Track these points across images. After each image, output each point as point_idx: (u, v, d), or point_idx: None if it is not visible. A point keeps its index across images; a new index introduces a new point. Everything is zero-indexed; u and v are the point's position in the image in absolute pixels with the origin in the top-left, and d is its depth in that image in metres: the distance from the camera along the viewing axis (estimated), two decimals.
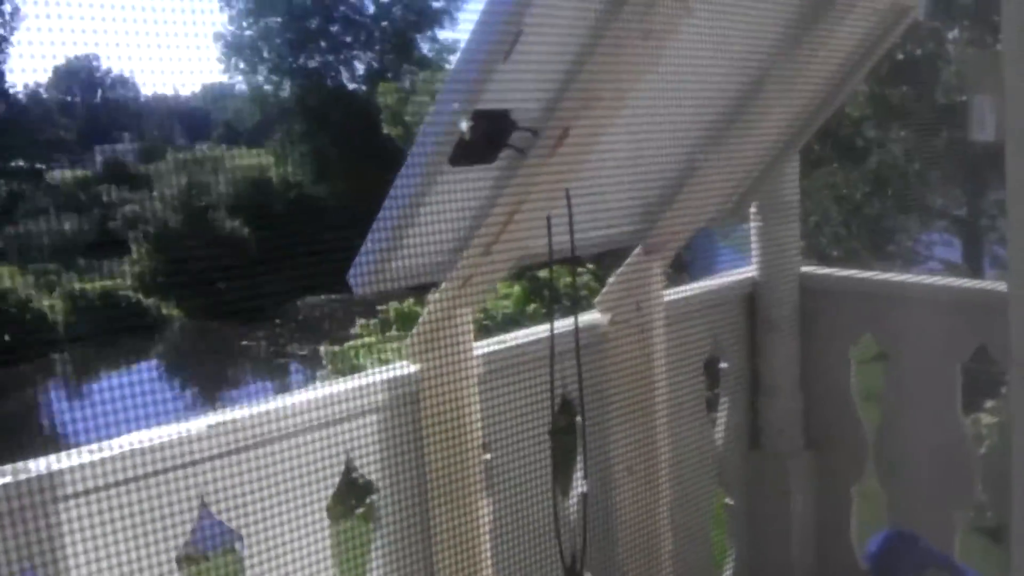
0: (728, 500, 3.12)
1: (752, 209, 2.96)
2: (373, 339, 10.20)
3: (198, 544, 2.12)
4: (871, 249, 12.29)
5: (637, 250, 2.61)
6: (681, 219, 2.58)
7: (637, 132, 2.31)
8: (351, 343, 10.32)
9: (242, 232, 20.87)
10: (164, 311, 20.24)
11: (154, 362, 20.38)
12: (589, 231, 2.39)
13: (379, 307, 10.80)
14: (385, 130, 18.31)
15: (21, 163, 24.81)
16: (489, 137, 1.90)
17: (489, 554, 2.34)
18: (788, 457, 3.10)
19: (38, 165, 25.19)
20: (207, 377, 19.27)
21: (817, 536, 3.12)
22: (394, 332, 9.87)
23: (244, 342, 19.34)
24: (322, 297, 18.37)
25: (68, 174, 25.63)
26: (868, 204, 12.36)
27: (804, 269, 3.08)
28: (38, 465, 1.78)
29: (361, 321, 11.18)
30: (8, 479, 1.72)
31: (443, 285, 2.20)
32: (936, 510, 2.85)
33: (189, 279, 18.95)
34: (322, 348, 10.89)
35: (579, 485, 2.58)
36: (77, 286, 19.32)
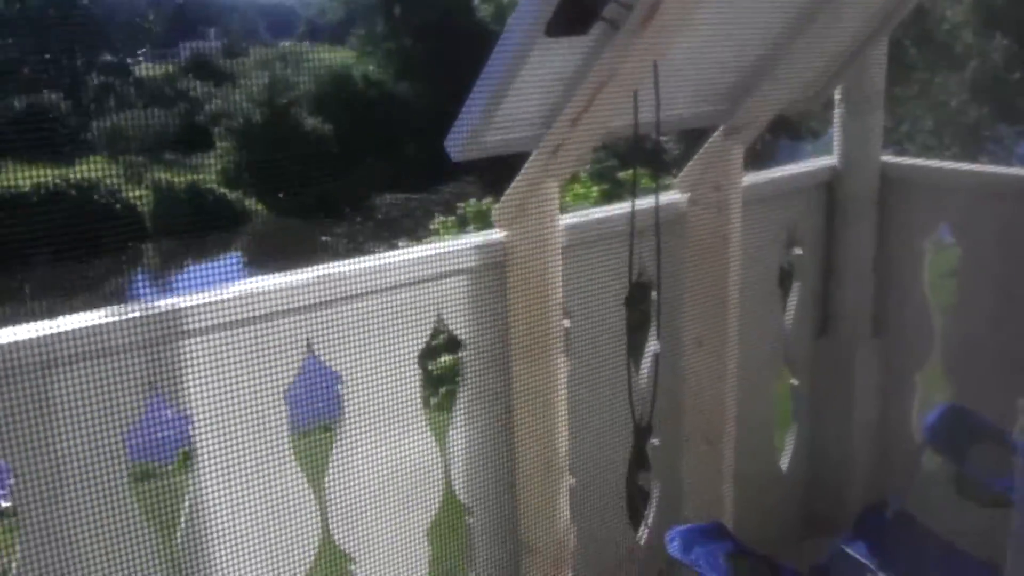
0: (793, 381, 3.24)
1: (836, 96, 2.99)
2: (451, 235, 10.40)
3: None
4: (963, 158, 11.96)
5: (718, 131, 2.69)
6: (764, 102, 2.65)
7: (727, 11, 2.37)
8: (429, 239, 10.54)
9: (324, 129, 21.14)
10: (246, 205, 20.72)
11: (236, 256, 20.94)
12: (674, 108, 2.47)
13: (457, 204, 10.97)
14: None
15: (110, 57, 25.26)
16: (583, 9, 1.99)
17: (565, 411, 2.52)
18: (855, 343, 3.19)
19: (126, 59, 25.65)
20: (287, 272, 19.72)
21: (879, 420, 3.23)
22: (471, 229, 10.06)
23: (324, 238, 19.76)
24: (401, 195, 18.62)
25: (155, 68, 26.05)
26: (963, 112, 11.99)
27: (885, 158, 3.12)
28: (164, 303, 1.99)
29: (440, 218, 11.38)
30: (137, 313, 1.92)
31: (532, 155, 2.32)
32: (999, 399, 2.92)
33: (271, 174, 19.33)
34: (400, 244, 11.14)
35: (652, 347, 2.71)
36: (164, 178, 19.84)
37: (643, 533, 2.86)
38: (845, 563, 2.43)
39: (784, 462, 3.21)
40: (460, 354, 2.48)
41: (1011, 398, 2.88)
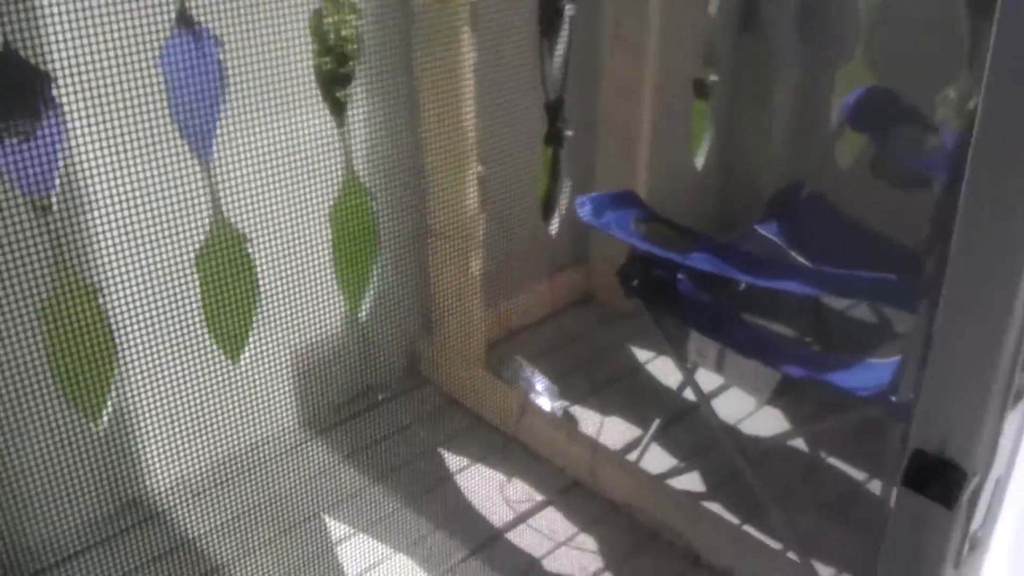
0: (713, 77, 3.11)
1: None
2: None
3: None
4: None
5: None
6: None
7: None
8: None
9: None
10: None
11: None
12: None
13: None
14: None
15: None
16: None
17: (472, 92, 2.35)
18: (778, 40, 3.05)
19: None
20: None
21: (797, 116, 3.14)
22: None
23: None
24: None
25: None
26: None
27: None
28: None
29: None
30: None
31: None
32: (919, 90, 2.85)
33: None
34: None
35: (566, 32, 2.53)
36: None
37: (555, 224, 2.79)
38: (755, 242, 2.39)
39: (699, 160, 3.13)
40: (357, 23, 2.26)
41: (933, 90, 2.83)
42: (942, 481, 0.72)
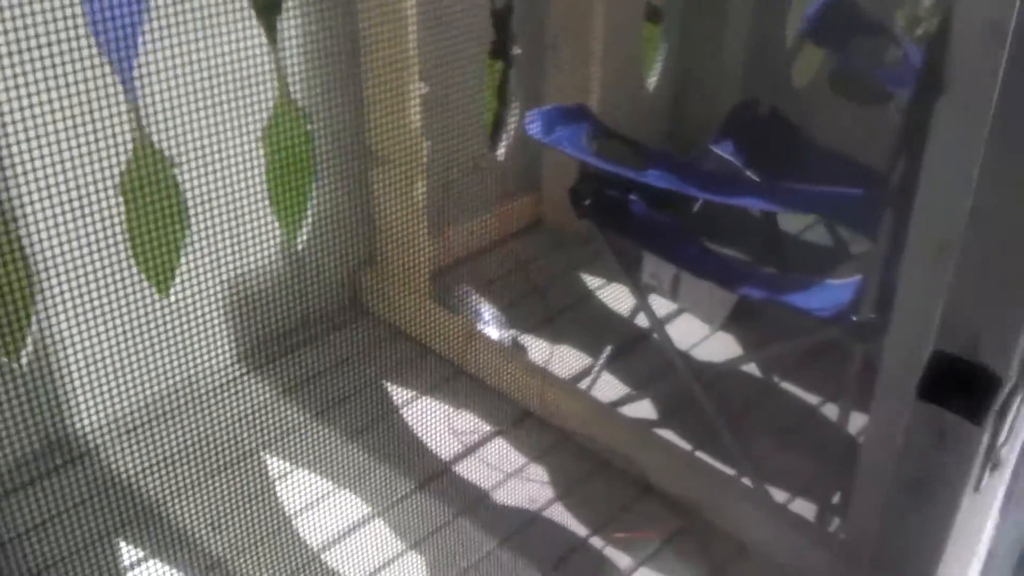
0: None
1: None
2: None
3: None
4: None
5: None
6: None
7: None
8: None
9: None
10: None
11: None
12: None
13: None
14: None
15: None
16: None
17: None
18: None
19: None
20: None
21: (751, 35, 3.04)
22: None
23: None
24: None
25: None
26: None
27: None
28: None
29: None
30: None
31: None
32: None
33: None
34: None
35: None
36: None
37: (502, 147, 2.68)
38: (711, 161, 2.31)
39: (651, 81, 3.02)
40: None
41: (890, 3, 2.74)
42: (967, 391, 0.62)
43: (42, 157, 1.69)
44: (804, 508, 1.91)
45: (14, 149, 1.63)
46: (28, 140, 1.68)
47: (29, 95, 1.66)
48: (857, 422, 1.86)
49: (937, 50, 1.14)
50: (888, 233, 1.60)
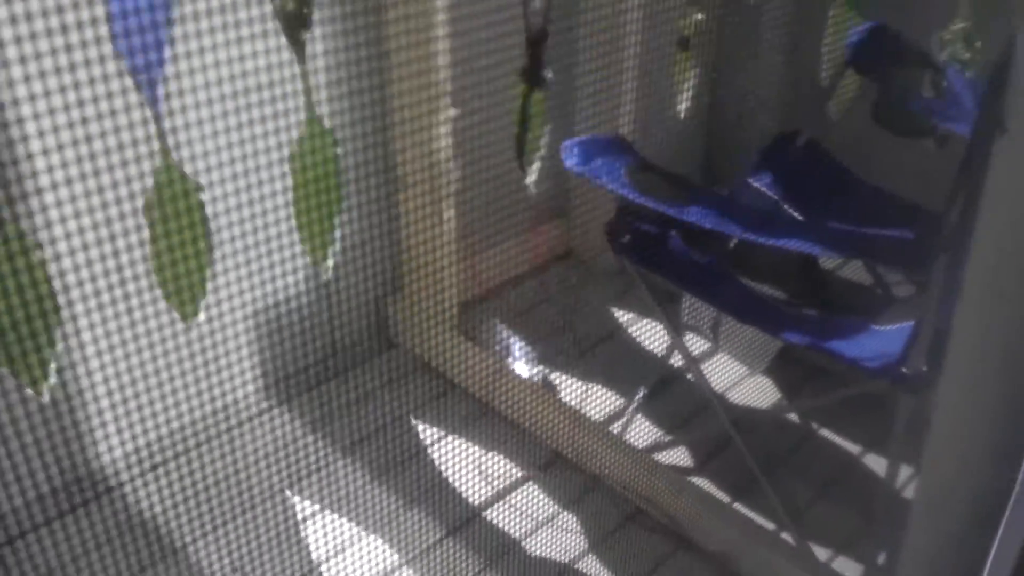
0: (699, 15, 2.93)
1: None
2: None
3: None
4: None
5: None
6: None
7: None
8: None
9: None
10: None
11: None
12: None
13: None
14: None
15: None
16: None
17: (447, 31, 2.16)
18: None
19: None
20: None
21: (788, 64, 2.98)
22: None
23: None
24: None
25: None
26: None
27: None
28: None
29: None
30: None
31: None
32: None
33: None
34: None
35: None
36: None
37: (533, 173, 2.61)
38: (749, 195, 2.24)
39: (683, 109, 2.96)
40: None
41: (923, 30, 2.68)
42: None
43: (65, 181, 1.64)
44: (847, 566, 1.84)
45: (37, 174, 1.57)
46: (50, 163, 1.62)
47: (53, 117, 1.61)
48: (904, 474, 1.80)
49: (996, 88, 1.08)
50: (942, 278, 1.54)
